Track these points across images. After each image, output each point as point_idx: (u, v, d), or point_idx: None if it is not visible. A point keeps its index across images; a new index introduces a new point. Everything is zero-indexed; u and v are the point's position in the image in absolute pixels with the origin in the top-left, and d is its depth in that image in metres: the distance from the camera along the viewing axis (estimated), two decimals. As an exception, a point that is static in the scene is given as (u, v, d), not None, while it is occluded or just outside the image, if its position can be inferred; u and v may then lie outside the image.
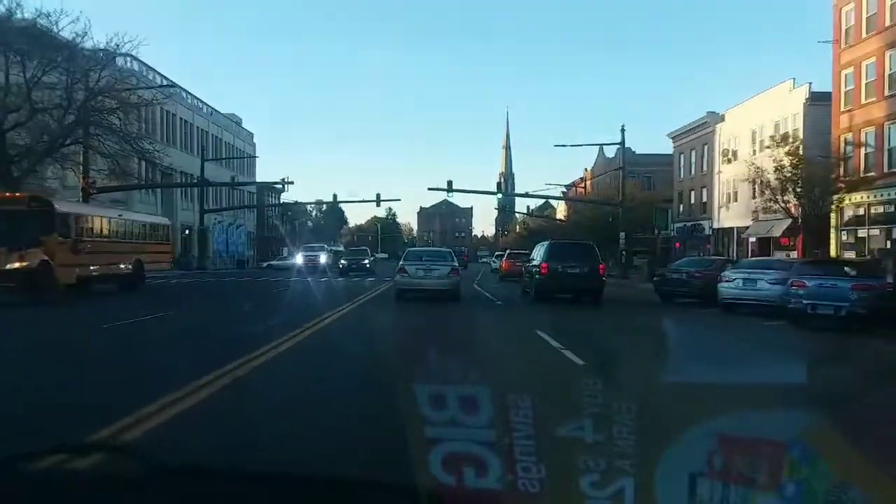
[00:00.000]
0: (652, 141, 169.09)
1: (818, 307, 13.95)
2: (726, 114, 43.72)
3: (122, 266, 23.08)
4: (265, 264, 56.76)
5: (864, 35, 28.83)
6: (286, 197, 75.39)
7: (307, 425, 5.66)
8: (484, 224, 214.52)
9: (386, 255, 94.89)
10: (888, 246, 27.09)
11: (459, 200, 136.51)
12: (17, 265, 17.41)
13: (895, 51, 26.95)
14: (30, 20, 24.80)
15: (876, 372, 9.87)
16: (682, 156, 51.00)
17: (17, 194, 20.83)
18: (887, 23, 27.27)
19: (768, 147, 30.37)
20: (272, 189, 70.97)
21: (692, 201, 48.98)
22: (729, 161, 41.11)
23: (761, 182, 29.39)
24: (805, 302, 14.17)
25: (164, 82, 40.88)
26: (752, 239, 37.97)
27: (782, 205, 28.42)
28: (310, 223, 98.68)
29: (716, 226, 44.47)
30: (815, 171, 27.34)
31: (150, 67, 45.25)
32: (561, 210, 75.37)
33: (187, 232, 53.06)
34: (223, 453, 4.40)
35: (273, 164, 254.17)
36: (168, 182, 47.44)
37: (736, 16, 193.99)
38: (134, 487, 1.42)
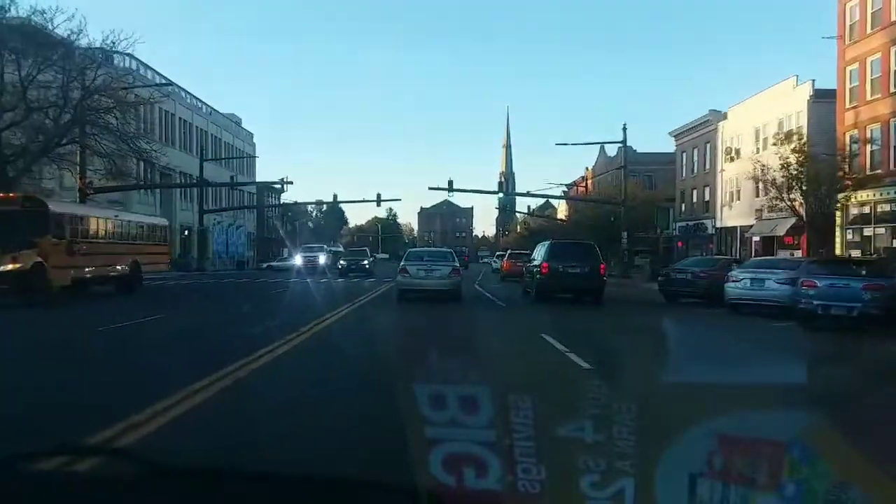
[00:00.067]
0: (653, 140, 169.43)
1: (830, 308, 13.62)
2: (729, 111, 43.35)
3: (118, 267, 22.75)
4: (265, 265, 56.39)
5: (868, 31, 28.47)
6: (286, 197, 75.34)
7: (307, 426, 5.65)
8: (485, 224, 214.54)
9: (387, 256, 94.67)
10: (895, 245, 26.78)
11: (460, 200, 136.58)
12: (9, 267, 17.09)
13: (901, 47, 26.65)
14: (24, 17, 24.51)
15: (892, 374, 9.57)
16: (684, 154, 50.66)
17: (11, 194, 20.45)
18: (893, 18, 26.89)
19: (774, 144, 30.01)
20: (272, 189, 70.71)
21: (694, 200, 48.62)
22: (732, 159, 40.83)
23: (767, 180, 29.07)
24: (816, 302, 13.83)
25: (162, 81, 40.59)
26: (756, 238, 37.64)
27: (788, 203, 28.05)
28: (310, 223, 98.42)
29: (718, 225, 44.11)
30: (821, 169, 27.00)
31: (147, 66, 45.00)
32: (562, 210, 75.14)
33: (186, 233, 52.74)
34: (224, 454, 4.38)
35: (273, 165, 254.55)
36: (167, 182, 47.15)
37: (736, 15, 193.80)
38: (134, 488, 1.43)
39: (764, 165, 29.10)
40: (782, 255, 31.16)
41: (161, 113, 46.44)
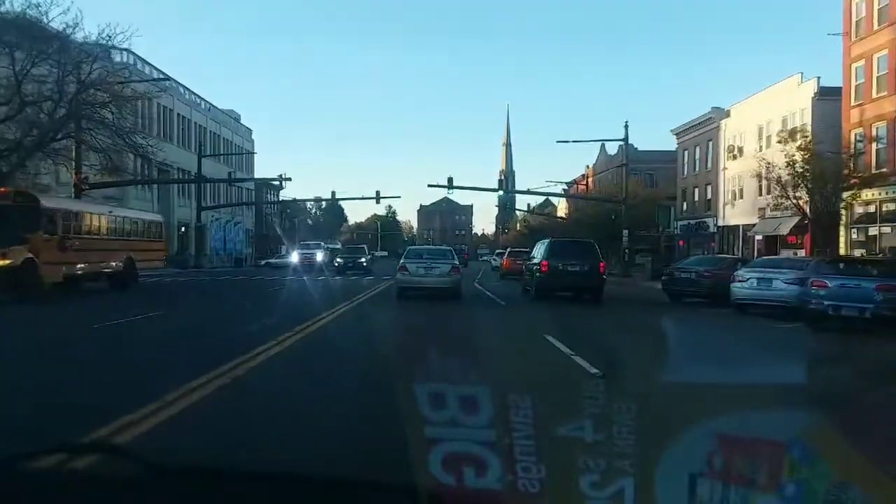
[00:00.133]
0: (654, 137, 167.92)
1: (841, 308, 13.27)
2: (731, 109, 43.00)
3: (112, 264, 22.40)
4: (262, 262, 55.97)
5: (875, 27, 28.15)
6: (285, 194, 74.99)
7: (307, 425, 5.63)
8: (484, 222, 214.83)
9: (386, 253, 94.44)
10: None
11: (460, 198, 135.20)
12: (-1, 263, 16.75)
13: (908, 43, 26.31)
14: (18, 10, 24.11)
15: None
16: (685, 152, 50.33)
17: (2, 189, 20.10)
18: (900, 14, 26.60)
19: (779, 142, 29.68)
20: (270, 186, 70.34)
21: (696, 198, 48.30)
22: (734, 157, 40.48)
23: (771, 178, 28.75)
24: (826, 303, 13.47)
25: (159, 76, 40.19)
26: (759, 237, 37.34)
27: (793, 201, 27.72)
28: (309, 221, 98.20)
29: (720, 223, 43.80)
30: (826, 167, 26.66)
31: (145, 62, 44.62)
32: (562, 208, 74.91)
33: (184, 229, 52.35)
34: (222, 453, 4.38)
35: (272, 163, 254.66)
36: (164, 178, 46.74)
37: (739, 12, 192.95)
38: (133, 488, 1.42)
39: (769, 163, 28.76)
40: (785, 253, 30.87)
41: (159, 108, 46.03)
